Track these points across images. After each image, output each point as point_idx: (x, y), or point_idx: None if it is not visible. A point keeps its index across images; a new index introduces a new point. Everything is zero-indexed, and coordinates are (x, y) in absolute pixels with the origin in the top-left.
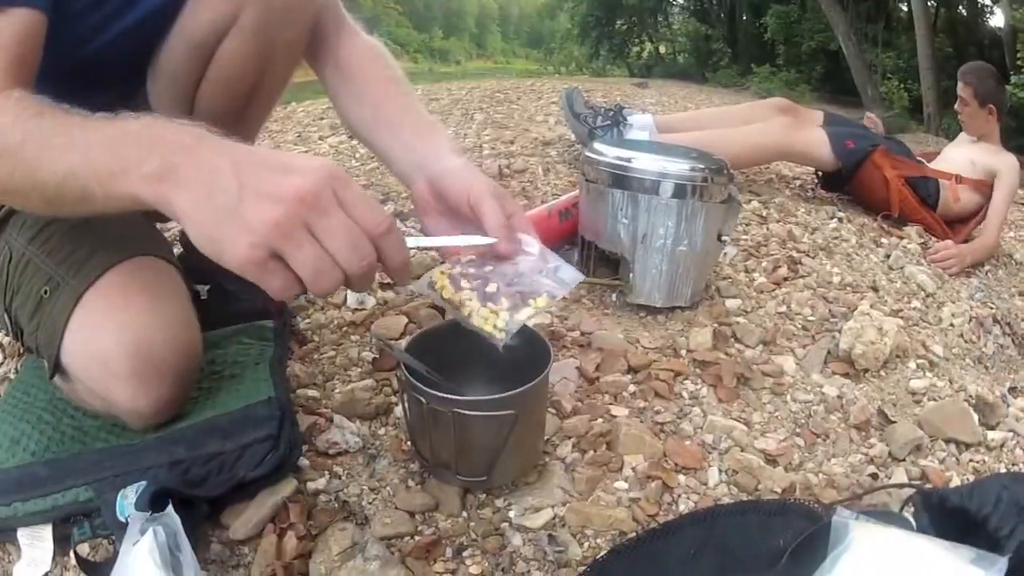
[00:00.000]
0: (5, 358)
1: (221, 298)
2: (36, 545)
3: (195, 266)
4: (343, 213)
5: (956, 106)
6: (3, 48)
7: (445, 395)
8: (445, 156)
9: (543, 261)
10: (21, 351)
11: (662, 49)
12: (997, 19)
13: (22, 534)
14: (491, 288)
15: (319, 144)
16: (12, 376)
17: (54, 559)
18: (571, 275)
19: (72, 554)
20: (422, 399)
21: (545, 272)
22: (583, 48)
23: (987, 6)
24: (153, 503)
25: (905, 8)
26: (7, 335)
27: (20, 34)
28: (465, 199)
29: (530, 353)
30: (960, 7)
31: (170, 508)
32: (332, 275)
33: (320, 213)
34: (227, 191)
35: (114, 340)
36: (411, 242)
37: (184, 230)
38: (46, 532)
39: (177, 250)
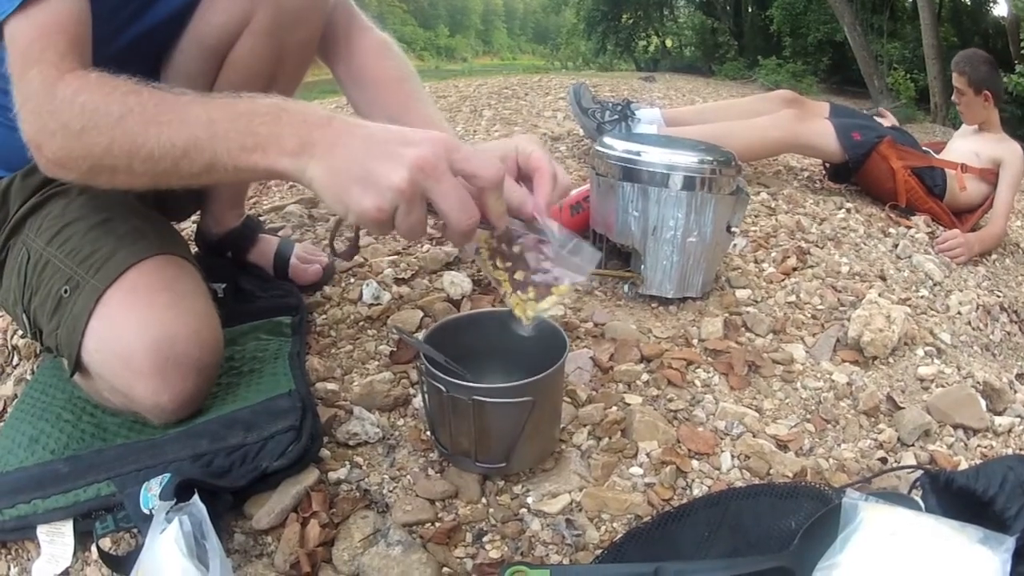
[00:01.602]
0: (21, 359)
1: (237, 296)
2: (56, 541)
3: (211, 265)
4: (454, 179)
5: (953, 97)
6: (62, 29)
7: (464, 383)
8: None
9: (562, 244)
10: (38, 352)
11: (668, 43)
12: (1001, 8)
13: (42, 531)
14: (519, 276)
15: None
16: (29, 377)
17: (74, 555)
18: (589, 256)
19: (94, 548)
20: (442, 387)
21: (565, 254)
22: (589, 43)
23: None
24: (178, 494)
25: None
26: (25, 335)
27: (75, 15)
28: (522, 156)
29: (545, 343)
30: None
31: (195, 498)
32: (423, 234)
33: (436, 179)
34: (358, 163)
35: (136, 336)
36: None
37: (315, 192)
38: (66, 528)
39: (192, 249)
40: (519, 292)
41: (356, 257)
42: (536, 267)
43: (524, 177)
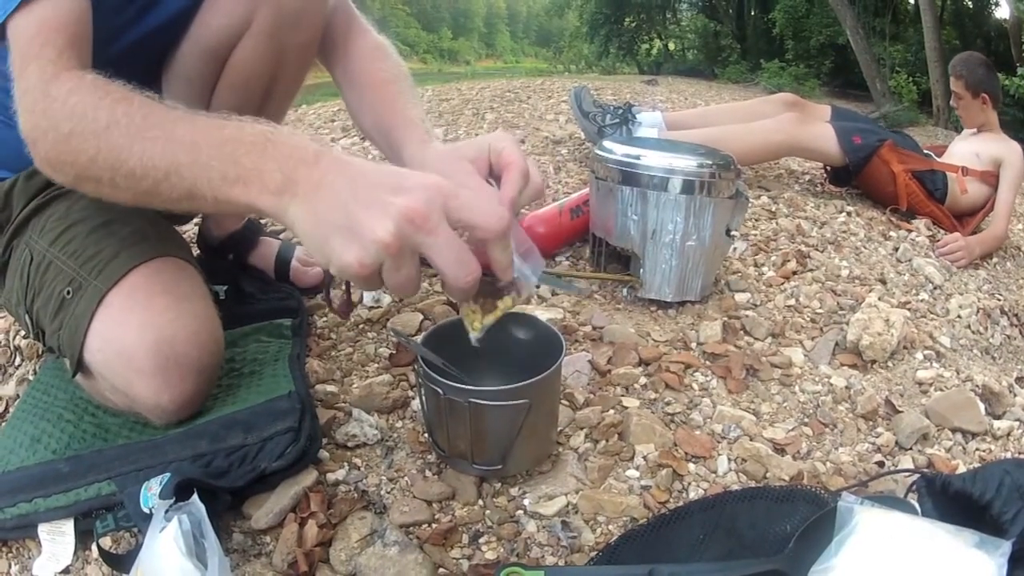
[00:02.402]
0: (24, 360)
1: (239, 298)
2: (57, 540)
3: (213, 267)
4: (450, 231)
5: (952, 101)
6: (62, 27)
7: (461, 386)
8: (424, 147)
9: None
10: (40, 352)
11: (671, 46)
12: (1003, 11)
13: (43, 530)
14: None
15: (331, 146)
16: (31, 377)
17: (75, 553)
18: (533, 268)
19: (95, 547)
20: (439, 390)
21: (517, 260)
22: (592, 46)
23: None
24: (177, 493)
25: (911, 1)
26: (28, 336)
27: (75, 14)
28: (494, 154)
29: (543, 346)
30: None
31: (195, 497)
32: (416, 291)
33: (428, 232)
34: (342, 209)
35: (137, 337)
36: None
37: (296, 237)
38: (67, 527)
39: (194, 252)
40: (470, 303)
41: (355, 313)
42: (491, 281)
43: (495, 175)
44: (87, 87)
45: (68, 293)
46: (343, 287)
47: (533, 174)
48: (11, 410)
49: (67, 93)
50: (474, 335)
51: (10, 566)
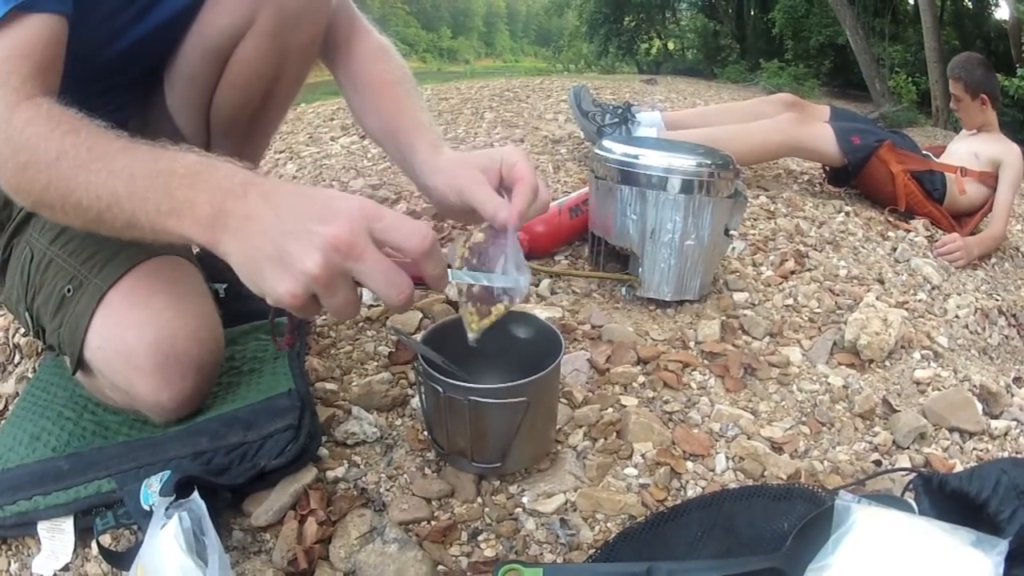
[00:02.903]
0: (23, 358)
1: (238, 297)
2: (56, 538)
3: (212, 265)
4: (378, 254)
5: (951, 104)
6: (27, 54)
7: (461, 383)
8: (435, 153)
9: (510, 260)
10: (40, 351)
11: (671, 45)
12: (1003, 11)
13: (42, 527)
14: (475, 289)
15: (331, 145)
16: (30, 375)
17: (75, 551)
18: (527, 278)
19: (94, 544)
20: (439, 388)
21: (513, 271)
22: (592, 45)
23: None
24: (178, 490)
25: (911, 1)
26: (27, 334)
27: (44, 39)
28: (506, 167)
29: (542, 345)
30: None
31: (195, 494)
32: (354, 312)
33: (355, 259)
34: (271, 242)
35: (138, 335)
36: (451, 276)
37: (231, 265)
38: (67, 524)
39: (195, 250)
40: (470, 304)
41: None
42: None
43: (506, 188)
44: (42, 118)
45: (68, 291)
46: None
47: (541, 190)
48: (11, 408)
49: (24, 123)
50: (472, 335)
51: (9, 564)
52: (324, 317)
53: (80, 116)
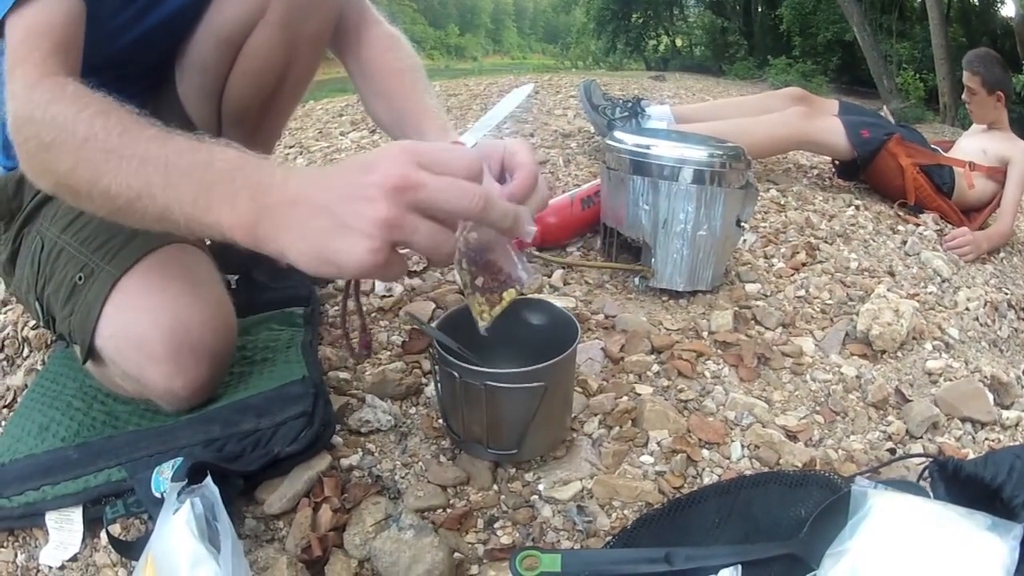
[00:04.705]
0: (32, 350)
1: (250, 287)
2: (65, 528)
3: (224, 255)
4: (434, 176)
5: (963, 96)
6: (48, 31)
7: (477, 368)
8: (444, 138)
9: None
10: (49, 343)
11: (678, 42)
12: (1008, 9)
13: (50, 517)
14: (479, 281)
15: (340, 140)
16: (39, 367)
17: (83, 541)
18: (531, 269)
19: (103, 534)
20: (455, 373)
21: (514, 261)
22: (599, 42)
23: None
24: (190, 476)
25: None
26: (37, 324)
27: (64, 18)
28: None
29: (557, 332)
30: None
31: (208, 479)
32: (449, 241)
33: (416, 188)
34: (327, 213)
35: (151, 323)
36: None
37: (292, 263)
38: (75, 514)
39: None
40: (477, 295)
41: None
42: (493, 271)
43: (508, 174)
44: (68, 97)
45: (80, 279)
46: (358, 322)
47: (541, 183)
48: (20, 399)
49: (48, 102)
50: (483, 325)
51: (16, 555)
52: (336, 306)
53: (109, 98)
